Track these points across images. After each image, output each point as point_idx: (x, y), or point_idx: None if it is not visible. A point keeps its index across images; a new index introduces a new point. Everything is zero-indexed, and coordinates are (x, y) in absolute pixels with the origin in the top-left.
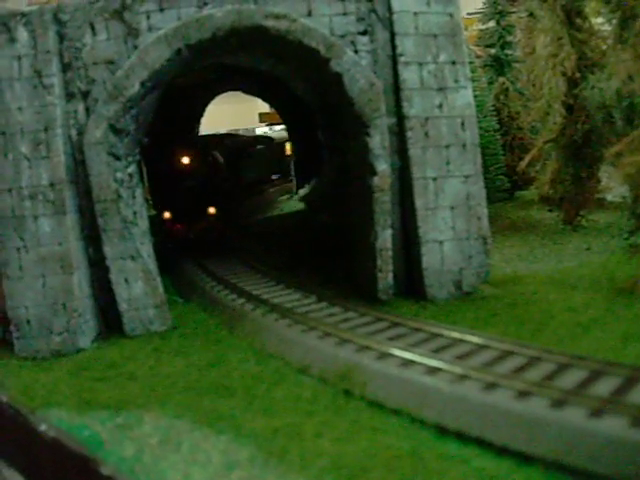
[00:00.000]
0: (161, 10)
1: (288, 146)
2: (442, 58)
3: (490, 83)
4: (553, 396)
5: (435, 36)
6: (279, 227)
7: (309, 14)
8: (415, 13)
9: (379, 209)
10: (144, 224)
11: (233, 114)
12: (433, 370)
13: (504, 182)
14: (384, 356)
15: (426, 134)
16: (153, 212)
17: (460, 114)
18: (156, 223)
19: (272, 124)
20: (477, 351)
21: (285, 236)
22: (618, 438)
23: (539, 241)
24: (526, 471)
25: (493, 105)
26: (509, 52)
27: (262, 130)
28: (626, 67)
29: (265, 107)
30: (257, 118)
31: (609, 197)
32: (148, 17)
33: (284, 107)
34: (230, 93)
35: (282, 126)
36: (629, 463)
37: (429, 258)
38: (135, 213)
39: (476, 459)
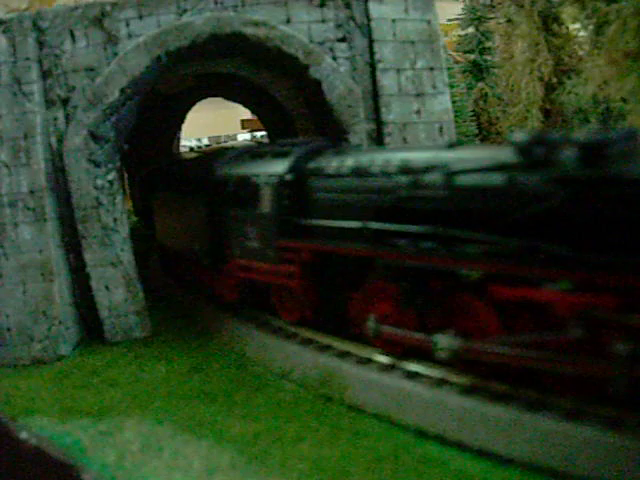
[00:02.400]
0: (140, 17)
1: None
2: (420, 64)
3: (469, 88)
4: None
5: (413, 43)
6: None
7: (288, 21)
8: (393, 20)
9: None
10: (124, 231)
11: (214, 121)
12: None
13: None
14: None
15: (404, 139)
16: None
17: (438, 119)
18: None
19: (254, 130)
20: None
21: None
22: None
23: None
24: (504, 472)
25: (472, 110)
26: (488, 58)
27: (243, 137)
28: (601, 72)
29: (247, 113)
30: (239, 125)
31: None
32: (127, 24)
33: (265, 113)
34: (211, 99)
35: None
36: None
37: None
38: (115, 220)
39: (455, 461)
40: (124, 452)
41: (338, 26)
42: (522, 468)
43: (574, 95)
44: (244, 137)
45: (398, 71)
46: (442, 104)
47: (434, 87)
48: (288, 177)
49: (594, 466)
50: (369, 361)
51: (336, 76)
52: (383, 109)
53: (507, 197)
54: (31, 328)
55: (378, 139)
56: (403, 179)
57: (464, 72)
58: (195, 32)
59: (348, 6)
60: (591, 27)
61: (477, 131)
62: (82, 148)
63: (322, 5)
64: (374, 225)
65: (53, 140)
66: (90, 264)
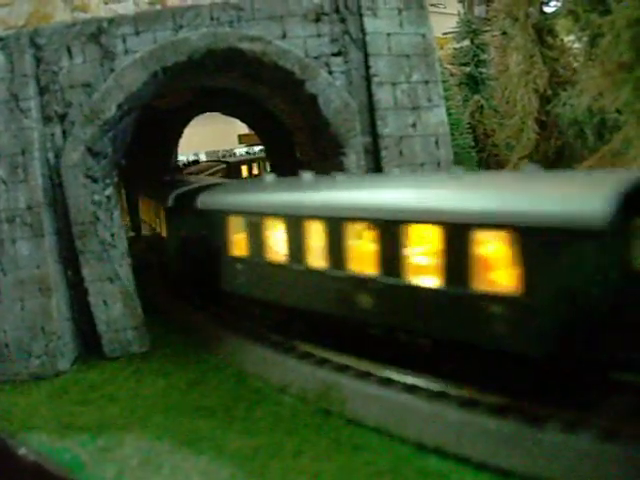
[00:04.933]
0: (137, 33)
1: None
2: (415, 78)
3: (465, 101)
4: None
5: (408, 56)
6: None
7: (284, 36)
8: (388, 34)
9: None
10: (122, 246)
11: (212, 135)
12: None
13: None
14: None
15: (400, 153)
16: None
17: (434, 132)
18: None
19: (251, 145)
20: None
21: None
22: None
23: None
24: None
25: (468, 123)
26: (483, 70)
27: (240, 151)
28: (596, 84)
29: (244, 128)
30: (236, 140)
31: None
32: (124, 40)
33: (262, 128)
34: (208, 114)
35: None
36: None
37: None
38: (113, 235)
39: (455, 474)
40: (123, 468)
41: (333, 40)
42: None
43: (569, 107)
44: (241, 151)
45: (393, 85)
46: (438, 117)
47: (429, 100)
48: None
49: (593, 477)
50: (368, 375)
51: (332, 90)
52: (379, 122)
53: None
54: (29, 344)
55: (374, 153)
56: None
57: (460, 85)
58: (191, 48)
59: (343, 21)
60: (585, 39)
61: (473, 143)
62: (79, 164)
63: (317, 20)
64: None
65: (50, 156)
66: (88, 279)
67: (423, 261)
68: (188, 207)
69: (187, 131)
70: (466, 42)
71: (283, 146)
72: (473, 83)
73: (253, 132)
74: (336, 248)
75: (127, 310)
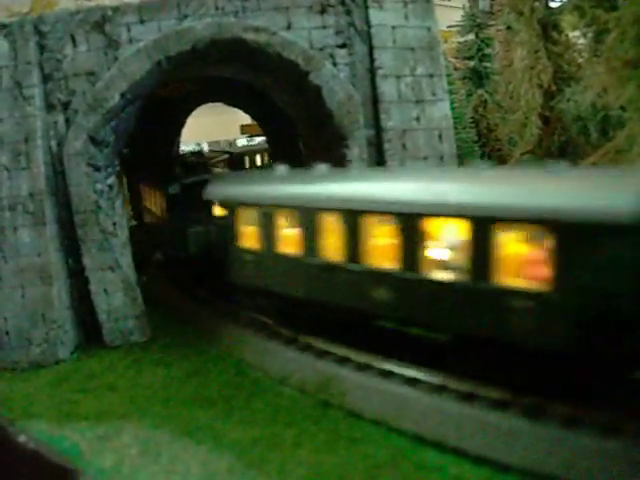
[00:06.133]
0: (141, 22)
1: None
2: (419, 71)
3: (469, 95)
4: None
5: (413, 49)
6: None
7: (288, 27)
8: (393, 27)
9: None
10: (124, 235)
11: (214, 126)
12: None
13: None
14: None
15: (404, 146)
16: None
17: (437, 126)
18: None
19: (253, 136)
20: None
21: None
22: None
23: None
24: (503, 479)
25: (472, 117)
26: (487, 64)
27: (242, 142)
28: (600, 80)
29: (247, 119)
30: (239, 130)
31: None
32: (128, 29)
33: (265, 119)
34: (211, 104)
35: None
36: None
37: None
38: (115, 224)
39: (453, 467)
40: (122, 456)
41: (338, 32)
42: (521, 475)
43: (573, 103)
44: (242, 142)
45: (398, 78)
46: (441, 111)
47: (433, 94)
48: None
49: (592, 473)
50: (368, 367)
51: (336, 82)
52: (383, 115)
53: None
54: (30, 332)
55: (377, 146)
56: None
57: (463, 79)
58: (196, 37)
59: (348, 13)
60: (590, 35)
61: (476, 138)
62: (82, 152)
63: (323, 11)
64: None
65: (53, 144)
66: (89, 268)
67: None
68: None
69: (189, 121)
70: (471, 36)
71: (286, 137)
72: (477, 77)
73: (256, 123)
74: None
75: (128, 299)
